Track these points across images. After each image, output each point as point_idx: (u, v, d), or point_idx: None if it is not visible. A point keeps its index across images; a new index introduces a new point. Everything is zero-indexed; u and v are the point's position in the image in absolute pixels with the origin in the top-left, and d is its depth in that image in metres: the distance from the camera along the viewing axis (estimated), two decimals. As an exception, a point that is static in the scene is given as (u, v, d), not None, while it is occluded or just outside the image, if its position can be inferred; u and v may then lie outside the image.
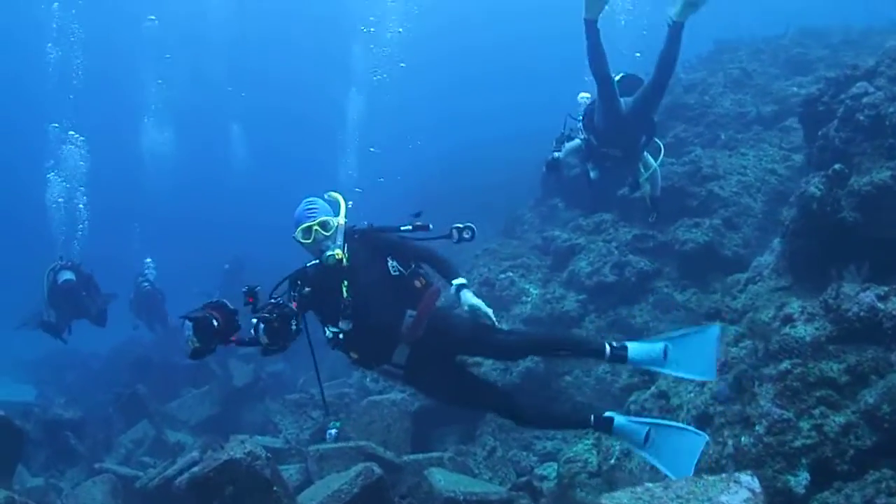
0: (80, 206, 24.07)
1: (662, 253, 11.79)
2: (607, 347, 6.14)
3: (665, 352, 6.02)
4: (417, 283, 6.49)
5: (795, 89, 15.58)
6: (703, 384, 6.91)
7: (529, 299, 12.27)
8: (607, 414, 6.15)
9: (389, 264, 6.49)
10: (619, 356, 6.11)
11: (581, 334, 6.90)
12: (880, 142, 7.90)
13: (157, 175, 40.04)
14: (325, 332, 6.22)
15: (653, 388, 7.75)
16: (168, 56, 38.62)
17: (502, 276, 13.16)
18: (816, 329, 6.09)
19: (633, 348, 6.11)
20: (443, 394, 6.68)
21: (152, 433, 14.12)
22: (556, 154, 11.71)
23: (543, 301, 12.00)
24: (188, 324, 5.55)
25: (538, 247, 14.26)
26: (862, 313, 5.84)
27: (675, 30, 9.64)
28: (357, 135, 32.57)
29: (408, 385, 7.01)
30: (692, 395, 6.95)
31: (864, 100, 8.42)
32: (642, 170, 11.05)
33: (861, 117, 8.33)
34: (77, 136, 24.86)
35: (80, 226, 23.27)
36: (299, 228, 6.37)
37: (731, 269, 10.94)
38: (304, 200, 6.56)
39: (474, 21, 58.04)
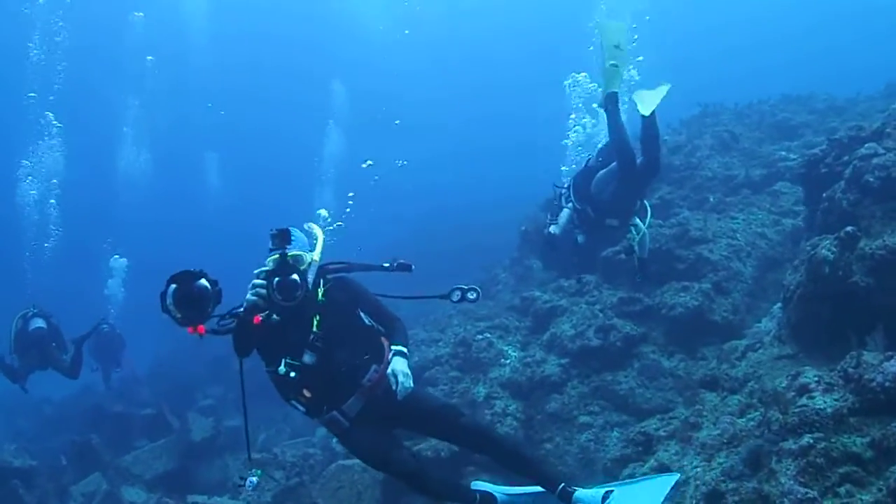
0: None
1: (649, 317, 11.25)
2: (560, 486, 6.27)
3: (604, 498, 6.14)
4: (384, 340, 6.52)
5: (784, 153, 15.37)
6: (710, 457, 6.40)
7: (508, 362, 11.68)
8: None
9: (360, 314, 6.46)
10: (565, 496, 6.21)
11: (541, 460, 6.62)
12: (891, 204, 7.50)
13: (131, 193, 39.18)
14: (277, 367, 6.13)
15: (652, 461, 7.16)
16: (150, 58, 38.00)
17: (479, 336, 12.52)
18: (836, 400, 5.58)
19: (580, 495, 6.22)
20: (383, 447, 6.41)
21: (105, 487, 13.45)
22: (553, 228, 11.60)
23: (523, 364, 11.37)
24: (172, 286, 5.60)
25: (516, 307, 13.68)
26: (887, 384, 5.34)
27: (649, 119, 10.16)
28: (335, 177, 32.33)
29: (344, 442, 6.67)
30: (699, 469, 6.37)
31: (874, 161, 8.01)
32: (634, 232, 10.91)
33: (870, 178, 7.91)
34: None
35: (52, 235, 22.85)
36: (271, 258, 6.24)
37: (720, 335, 10.55)
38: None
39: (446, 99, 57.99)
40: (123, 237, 28.07)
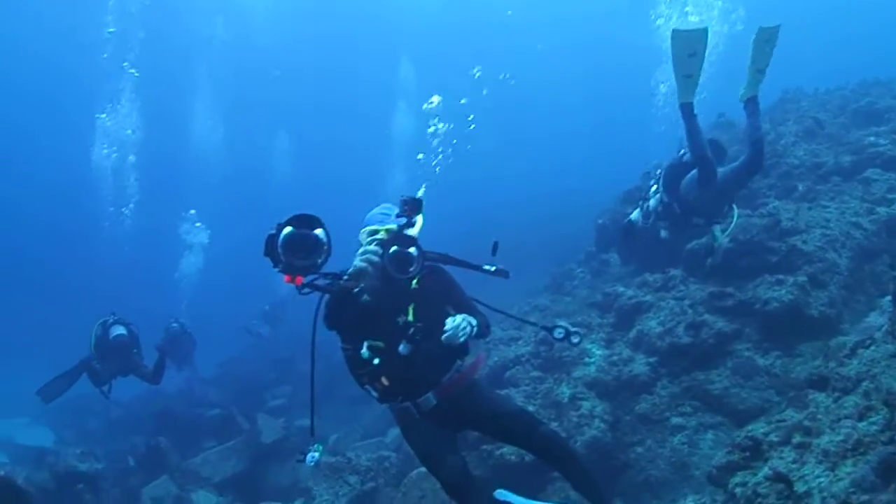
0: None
1: (741, 313, 10.61)
2: None
3: None
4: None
5: (873, 139, 14.59)
6: (834, 465, 5.81)
7: (593, 361, 11.06)
8: None
9: (448, 308, 6.04)
10: None
11: (605, 491, 6.25)
12: None
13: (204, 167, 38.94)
14: (358, 349, 5.86)
15: (766, 469, 6.55)
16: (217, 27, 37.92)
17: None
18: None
19: None
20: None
21: (173, 490, 13.14)
22: (634, 216, 11.31)
23: (609, 363, 10.76)
24: (286, 229, 5.26)
25: (597, 304, 13.09)
26: None
27: (752, 104, 9.92)
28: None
29: (406, 433, 6.32)
30: (824, 479, 5.78)
31: None
32: (717, 233, 10.74)
33: None
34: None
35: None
36: (365, 229, 6.14)
37: (817, 330, 9.86)
38: (382, 204, 6.34)
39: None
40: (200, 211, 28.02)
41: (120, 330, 14.72)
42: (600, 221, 17.27)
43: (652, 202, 11.60)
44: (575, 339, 6.41)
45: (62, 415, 25.27)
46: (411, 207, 5.89)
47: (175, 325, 19.28)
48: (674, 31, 10.14)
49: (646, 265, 13.65)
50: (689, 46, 10.04)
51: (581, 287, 16.49)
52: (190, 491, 13.16)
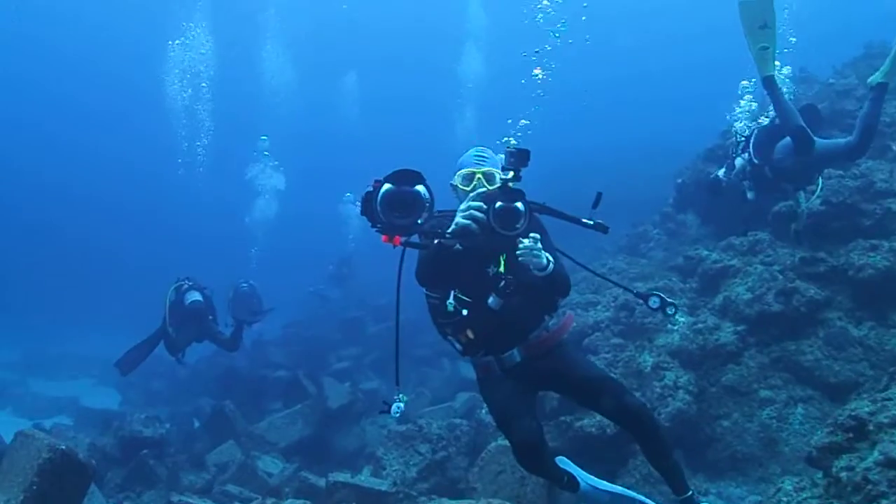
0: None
1: (833, 279, 10.05)
2: (688, 492, 5.78)
3: None
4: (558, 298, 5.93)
5: (969, 94, 13.85)
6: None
7: (676, 328, 10.52)
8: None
9: None
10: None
11: (679, 466, 5.87)
12: None
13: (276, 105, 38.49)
14: (445, 299, 5.56)
15: (876, 454, 6.03)
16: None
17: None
18: None
19: None
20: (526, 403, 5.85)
21: (238, 456, 12.86)
22: (720, 173, 10.95)
23: (693, 331, 10.21)
24: (385, 186, 5.02)
25: (679, 267, 12.56)
26: None
27: (879, 90, 9.49)
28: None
29: (484, 388, 6.04)
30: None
31: None
32: (801, 199, 10.38)
33: None
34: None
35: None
36: (461, 172, 5.87)
37: (914, 299, 9.32)
38: (475, 147, 6.02)
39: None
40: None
41: (195, 296, 14.70)
42: (679, 180, 16.65)
43: (738, 161, 11.14)
44: (670, 311, 6.02)
45: (128, 376, 25.37)
46: (518, 159, 5.39)
47: (245, 285, 19.21)
48: (740, 3, 9.74)
49: (725, 226, 13.17)
50: (757, 18, 9.77)
51: (657, 249, 15.99)
52: (255, 457, 12.89)
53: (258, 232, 26.14)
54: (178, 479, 12.08)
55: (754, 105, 12.06)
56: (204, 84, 26.12)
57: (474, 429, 11.27)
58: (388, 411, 5.73)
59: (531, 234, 5.26)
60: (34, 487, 7.37)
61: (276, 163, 26.18)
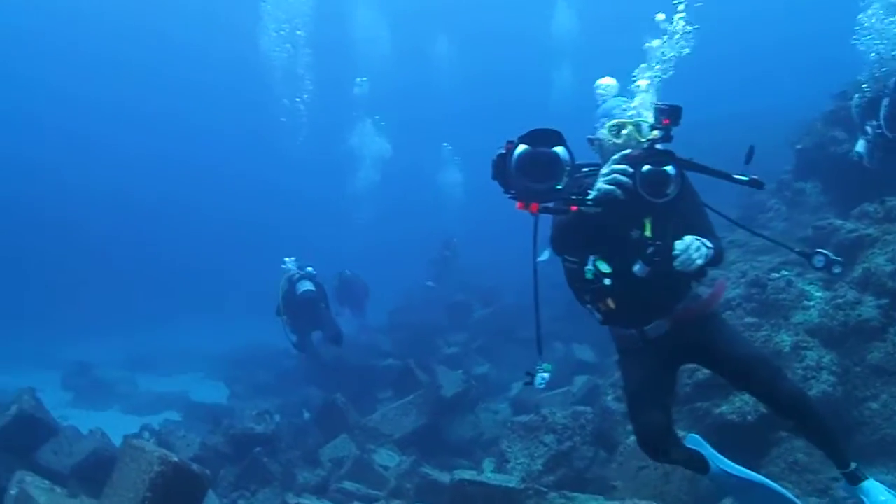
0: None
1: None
2: (852, 466, 5.19)
3: None
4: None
5: None
6: None
7: (813, 304, 9.80)
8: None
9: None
10: (854, 479, 5.18)
11: (839, 440, 5.42)
12: None
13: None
14: (583, 265, 5.22)
15: None
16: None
17: (775, 275, 10.72)
18: None
19: (871, 486, 5.11)
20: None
21: (353, 451, 12.52)
22: (858, 150, 10.55)
23: (832, 307, 9.49)
24: (521, 148, 4.60)
25: (808, 238, 11.83)
26: None
27: None
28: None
29: (623, 362, 5.69)
30: None
31: None
32: None
33: None
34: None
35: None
36: (610, 123, 5.19)
37: None
38: (614, 98, 5.42)
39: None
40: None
41: (307, 285, 14.83)
42: (799, 146, 15.80)
43: (869, 129, 10.56)
44: (836, 270, 5.44)
45: (233, 369, 25.44)
46: (669, 116, 4.87)
47: (348, 272, 19.14)
48: None
49: (848, 193, 12.57)
50: None
51: (776, 220, 15.20)
52: (371, 451, 12.54)
53: (361, 200, 26.03)
54: (293, 477, 11.77)
55: None
56: (299, 32, 26.01)
57: (599, 416, 10.73)
58: (532, 382, 5.44)
59: (684, 239, 4.75)
60: (146, 503, 7.06)
61: (377, 117, 25.95)
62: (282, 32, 26.03)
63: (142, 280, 48.38)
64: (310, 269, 15.34)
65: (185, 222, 56.26)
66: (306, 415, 17.09)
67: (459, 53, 46.32)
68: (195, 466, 7.54)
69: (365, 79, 26.46)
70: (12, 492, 8.30)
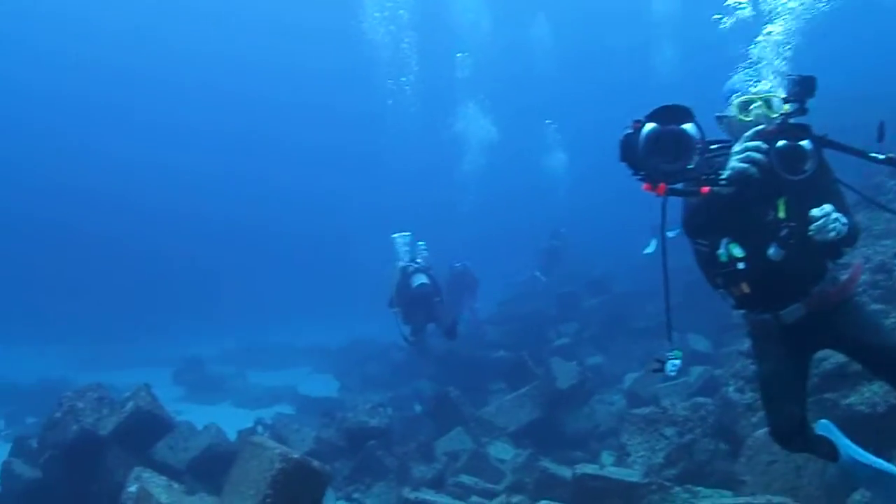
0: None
1: None
2: None
3: None
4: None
5: None
6: None
7: (942, 291, 9.42)
8: None
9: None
10: None
11: None
12: None
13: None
14: (715, 249, 4.96)
15: None
16: None
17: (902, 259, 10.28)
18: None
19: None
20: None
21: (468, 444, 12.46)
22: None
23: (967, 291, 9.13)
24: (649, 126, 4.44)
25: (938, 222, 11.33)
26: None
27: None
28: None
29: (756, 349, 5.43)
30: None
31: None
32: None
33: None
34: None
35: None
36: (737, 99, 4.97)
37: None
38: (742, 72, 5.15)
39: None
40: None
41: (422, 279, 14.59)
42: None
43: None
44: None
45: (342, 363, 25.58)
46: (803, 88, 4.67)
47: (458, 265, 19.04)
48: None
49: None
50: None
51: (896, 202, 14.67)
52: (485, 443, 12.44)
53: (467, 186, 25.98)
54: (408, 471, 11.68)
55: None
56: (402, 12, 26.06)
57: (720, 408, 10.45)
58: (662, 369, 5.25)
59: (822, 207, 4.49)
60: (267, 500, 7.02)
61: (482, 97, 25.85)
62: (385, 13, 26.06)
63: (248, 277, 49.01)
64: (421, 246, 15.23)
65: (293, 215, 56.63)
66: (417, 408, 17.08)
67: (558, 32, 45.70)
68: (315, 463, 7.49)
69: (466, 54, 26.31)
70: (131, 489, 8.36)
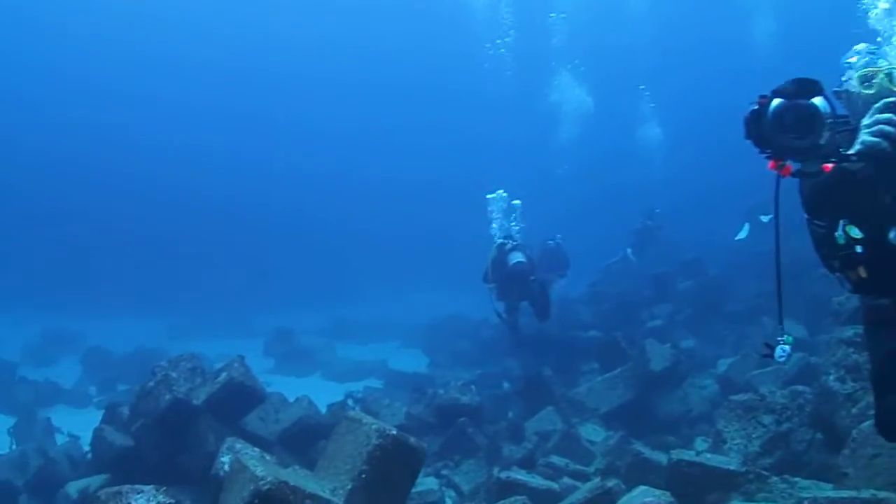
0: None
1: None
2: None
3: None
4: None
5: None
6: None
7: None
8: None
9: None
10: None
11: None
12: None
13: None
14: (833, 230, 4.66)
15: None
16: None
17: None
18: None
19: None
20: None
21: (559, 425, 12.38)
22: None
23: None
24: (776, 101, 4.25)
25: None
26: None
27: None
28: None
29: (869, 336, 5.16)
30: None
31: None
32: None
33: None
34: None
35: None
36: (858, 73, 4.63)
37: None
38: (858, 44, 4.88)
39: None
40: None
41: (519, 257, 14.67)
42: None
43: None
44: None
45: (432, 338, 25.59)
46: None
47: (551, 242, 18.91)
48: None
49: None
50: None
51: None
52: (576, 424, 12.32)
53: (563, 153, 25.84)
54: (498, 450, 11.61)
55: None
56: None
57: (818, 397, 10.20)
58: (771, 355, 5.03)
59: None
60: (363, 476, 7.00)
61: (577, 62, 25.63)
62: None
63: (338, 250, 49.21)
64: (516, 205, 15.13)
65: (387, 189, 56.65)
66: (506, 386, 16.99)
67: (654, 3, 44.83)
68: (412, 439, 7.44)
69: (562, 15, 26.03)
70: (224, 458, 8.41)
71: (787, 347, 4.99)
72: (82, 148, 55.20)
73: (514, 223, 15.77)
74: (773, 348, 5.01)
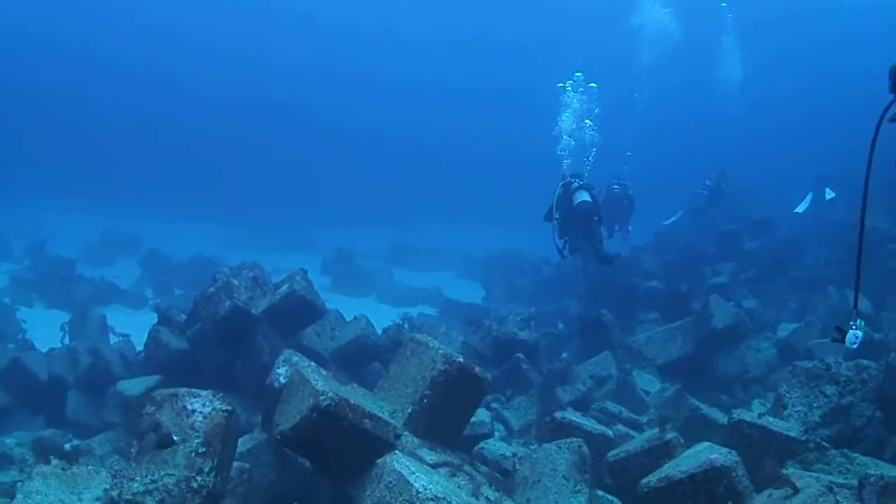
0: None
1: None
2: None
3: None
4: None
5: None
6: None
7: None
8: None
9: None
10: None
11: None
12: None
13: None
14: None
15: None
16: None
17: None
18: None
19: None
20: None
21: (614, 371, 12.27)
22: None
23: None
24: None
25: None
26: None
27: None
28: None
29: None
30: None
31: None
32: None
33: None
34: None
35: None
36: None
37: None
38: None
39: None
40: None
41: (584, 196, 14.55)
42: None
43: None
44: None
45: (490, 271, 25.54)
46: None
47: (616, 187, 18.68)
48: None
49: None
50: None
51: None
52: (629, 371, 12.17)
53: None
54: (552, 389, 11.49)
55: None
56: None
57: (882, 374, 10.03)
58: (842, 340, 5.10)
59: None
60: (424, 401, 7.00)
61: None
62: None
63: (405, 177, 49.12)
64: (588, 125, 15.00)
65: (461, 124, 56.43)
66: (560, 326, 16.92)
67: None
68: (478, 369, 7.37)
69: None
70: (280, 370, 8.37)
71: (859, 333, 4.90)
72: (157, 61, 55.49)
73: (587, 162, 15.61)
74: (844, 333, 4.89)
